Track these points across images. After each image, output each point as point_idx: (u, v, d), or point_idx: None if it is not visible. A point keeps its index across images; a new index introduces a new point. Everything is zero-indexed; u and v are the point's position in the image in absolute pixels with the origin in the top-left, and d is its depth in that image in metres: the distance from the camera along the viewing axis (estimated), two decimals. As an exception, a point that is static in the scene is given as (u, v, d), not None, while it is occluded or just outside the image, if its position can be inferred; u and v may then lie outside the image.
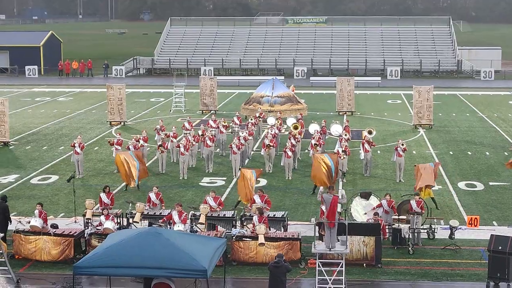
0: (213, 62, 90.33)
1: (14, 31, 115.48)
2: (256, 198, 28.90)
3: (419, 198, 28.34)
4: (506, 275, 23.21)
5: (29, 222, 26.46)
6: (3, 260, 23.89)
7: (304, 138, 43.03)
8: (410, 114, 55.66)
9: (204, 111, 58.46)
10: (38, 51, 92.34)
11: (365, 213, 28.36)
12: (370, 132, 39.84)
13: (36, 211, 26.90)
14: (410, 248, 26.70)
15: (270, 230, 26.79)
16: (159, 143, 39.72)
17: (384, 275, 24.73)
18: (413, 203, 27.80)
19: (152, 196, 29.48)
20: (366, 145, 38.11)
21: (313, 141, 39.16)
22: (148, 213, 28.48)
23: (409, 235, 27.09)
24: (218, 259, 20.57)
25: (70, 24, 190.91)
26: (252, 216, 27.20)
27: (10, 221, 27.64)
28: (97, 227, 26.70)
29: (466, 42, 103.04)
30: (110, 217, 26.76)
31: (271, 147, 39.00)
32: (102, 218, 26.80)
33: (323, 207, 23.59)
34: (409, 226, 27.33)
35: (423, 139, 48.28)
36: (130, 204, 28.62)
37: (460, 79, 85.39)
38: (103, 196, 29.28)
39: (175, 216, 26.69)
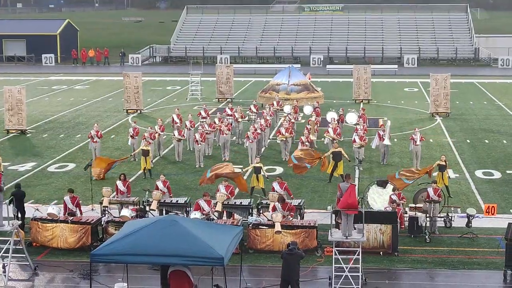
0: (229, 50, 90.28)
1: (31, 20, 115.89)
2: (275, 185, 28.89)
3: (436, 185, 28.24)
4: (523, 263, 23.17)
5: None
6: (21, 247, 24.01)
7: (321, 126, 42.95)
8: (427, 102, 55.48)
9: (220, 99, 58.46)
10: (55, 39, 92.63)
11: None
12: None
13: (67, 197, 27.00)
14: (427, 237, 26.63)
15: (293, 217, 26.73)
16: (175, 131, 39.65)
17: (400, 264, 24.69)
18: (430, 190, 27.68)
19: (160, 184, 29.48)
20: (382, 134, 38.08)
21: (329, 129, 39.07)
22: (164, 201, 28.53)
23: (425, 223, 27.01)
24: (234, 247, 20.56)
25: (86, 12, 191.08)
26: (269, 204, 27.23)
27: (24, 212, 27.76)
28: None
29: (484, 29, 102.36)
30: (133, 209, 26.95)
31: (287, 136, 38.96)
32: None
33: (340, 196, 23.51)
34: (426, 215, 27.25)
35: (440, 127, 48.11)
36: (147, 192, 28.66)
37: (477, 67, 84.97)
38: (119, 184, 29.34)
39: (204, 205, 26.69)
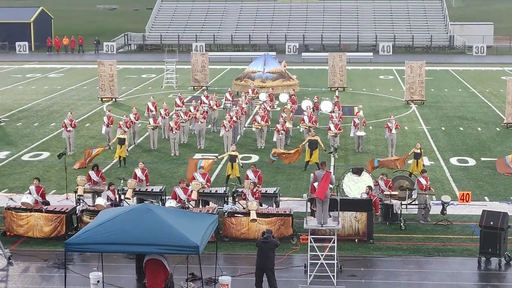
0: (204, 38, 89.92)
1: (4, 7, 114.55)
2: (249, 173, 28.89)
3: (426, 174, 28.44)
4: (497, 250, 23.32)
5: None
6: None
7: (297, 114, 42.95)
8: (402, 89, 55.62)
9: (195, 87, 58.28)
10: (29, 27, 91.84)
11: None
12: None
13: (32, 187, 26.79)
14: (402, 224, 26.73)
15: (262, 205, 26.80)
16: (150, 119, 39.47)
17: (376, 251, 24.77)
18: (422, 180, 27.74)
19: (138, 172, 29.40)
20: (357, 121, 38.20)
21: (305, 117, 39.11)
22: (139, 189, 28.43)
23: (400, 210, 27.09)
24: (210, 235, 20.54)
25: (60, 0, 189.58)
26: (244, 192, 27.24)
27: None
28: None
29: (458, 17, 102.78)
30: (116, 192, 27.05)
31: (262, 124, 38.94)
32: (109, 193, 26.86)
33: (315, 184, 23.52)
34: (401, 202, 27.30)
35: (415, 114, 48.26)
36: (122, 181, 28.53)
37: (452, 55, 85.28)
38: (92, 174, 29.12)
39: (181, 193, 26.59)
